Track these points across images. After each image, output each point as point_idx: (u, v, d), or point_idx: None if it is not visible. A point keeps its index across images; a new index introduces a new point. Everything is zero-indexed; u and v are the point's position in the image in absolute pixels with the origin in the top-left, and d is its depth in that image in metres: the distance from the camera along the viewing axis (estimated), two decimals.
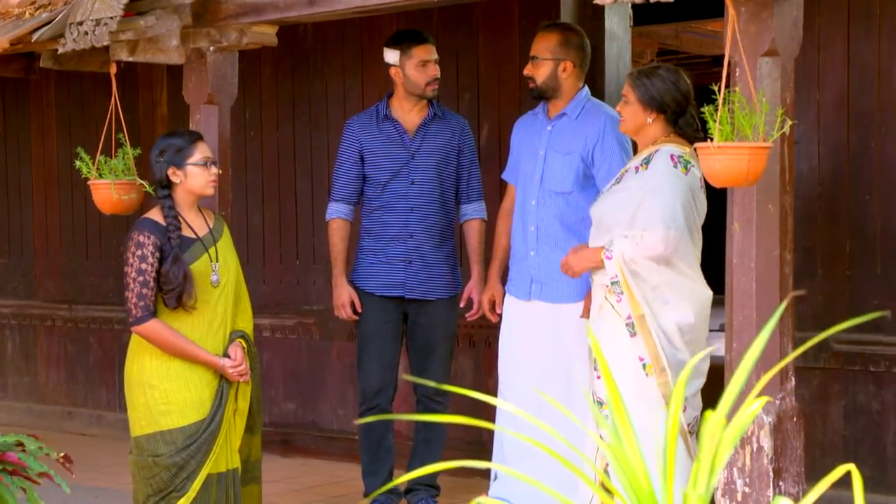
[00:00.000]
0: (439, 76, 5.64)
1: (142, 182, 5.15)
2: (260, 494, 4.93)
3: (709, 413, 1.83)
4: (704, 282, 4.58)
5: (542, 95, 5.27)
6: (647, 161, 4.61)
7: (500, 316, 5.45)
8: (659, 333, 4.45)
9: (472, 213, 5.78)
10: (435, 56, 5.63)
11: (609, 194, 4.72)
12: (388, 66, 5.66)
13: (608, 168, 5.09)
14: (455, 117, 5.81)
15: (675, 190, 4.49)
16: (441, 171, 5.67)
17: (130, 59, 5.27)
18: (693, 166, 4.55)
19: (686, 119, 4.61)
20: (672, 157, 4.55)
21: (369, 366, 5.67)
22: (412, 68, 5.59)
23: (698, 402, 4.61)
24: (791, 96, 4.00)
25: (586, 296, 4.98)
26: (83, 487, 6.54)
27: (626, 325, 4.48)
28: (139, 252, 4.54)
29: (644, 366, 4.45)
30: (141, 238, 4.55)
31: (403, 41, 5.62)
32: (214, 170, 4.70)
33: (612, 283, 4.51)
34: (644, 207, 4.50)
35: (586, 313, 4.96)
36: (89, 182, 5.23)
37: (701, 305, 4.53)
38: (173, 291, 4.52)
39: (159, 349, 4.56)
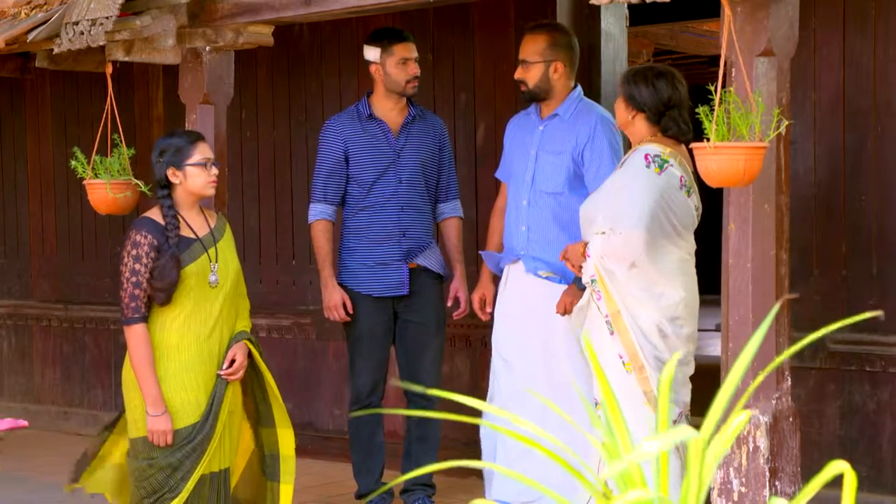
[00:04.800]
0: (419, 74, 5.66)
1: (137, 182, 5.15)
2: (277, 491, 4.81)
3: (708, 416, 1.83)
4: (680, 283, 4.56)
5: (535, 98, 5.29)
6: (624, 161, 4.67)
7: (491, 315, 5.46)
8: (636, 331, 4.48)
9: (451, 212, 5.81)
10: (415, 54, 5.65)
11: (594, 194, 4.80)
12: (369, 63, 5.68)
13: (597, 168, 5.12)
14: (434, 117, 5.85)
15: (642, 190, 4.51)
16: (425, 170, 5.70)
17: (126, 58, 5.26)
18: (671, 166, 4.57)
19: (668, 121, 4.63)
20: (647, 156, 4.57)
21: (363, 366, 5.67)
22: (393, 66, 5.60)
23: (687, 393, 4.61)
24: (787, 96, 4.00)
25: (563, 292, 5.04)
26: (79, 487, 6.54)
27: (606, 322, 4.52)
28: (134, 252, 4.53)
29: (623, 363, 4.48)
30: (138, 237, 4.54)
31: (384, 38, 5.65)
32: (214, 170, 4.68)
33: (592, 282, 4.55)
34: (612, 207, 4.54)
35: (560, 309, 5.01)
36: (85, 182, 5.22)
37: (673, 307, 4.52)
38: (162, 290, 4.50)
39: (129, 355, 4.55)
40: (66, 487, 5.00)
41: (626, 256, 4.48)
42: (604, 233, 4.54)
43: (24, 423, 3.87)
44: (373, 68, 5.67)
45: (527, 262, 5.25)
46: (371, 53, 5.65)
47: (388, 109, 5.69)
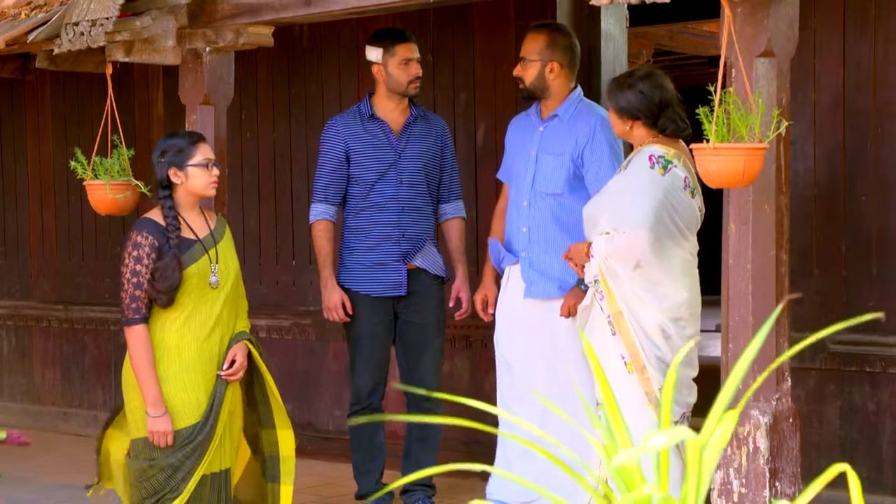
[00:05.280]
0: (421, 74, 5.66)
1: (137, 183, 5.15)
2: (278, 493, 4.81)
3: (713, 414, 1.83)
4: (683, 284, 4.56)
5: (532, 96, 5.31)
6: (628, 163, 4.67)
7: (492, 315, 5.46)
8: (638, 332, 4.48)
9: (453, 212, 5.81)
10: (417, 55, 5.65)
11: (597, 195, 4.80)
12: (371, 63, 5.68)
13: (597, 169, 5.12)
14: (435, 118, 5.85)
15: (647, 191, 4.51)
16: (427, 170, 5.70)
17: (126, 59, 5.26)
18: (675, 166, 4.57)
19: (665, 121, 4.63)
20: (651, 157, 4.58)
21: (364, 367, 5.66)
22: (395, 66, 5.61)
23: (690, 394, 4.61)
24: (787, 97, 4.00)
25: (566, 294, 5.04)
26: (79, 488, 6.54)
27: (608, 323, 4.52)
28: (135, 253, 4.53)
29: (625, 364, 4.49)
30: (139, 238, 4.55)
31: (386, 39, 5.65)
32: (216, 171, 4.68)
33: (595, 282, 4.55)
34: (616, 208, 4.55)
35: (565, 311, 5.03)
36: (85, 182, 5.22)
37: (676, 308, 4.53)
38: (164, 292, 4.51)
39: (130, 355, 4.55)
40: (89, 492, 5.02)
41: (631, 257, 4.48)
42: (608, 233, 4.54)
43: (28, 440, 3.86)
44: (375, 69, 5.67)
45: (527, 282, 5.23)
46: (373, 54, 5.66)
47: (389, 110, 5.69)
